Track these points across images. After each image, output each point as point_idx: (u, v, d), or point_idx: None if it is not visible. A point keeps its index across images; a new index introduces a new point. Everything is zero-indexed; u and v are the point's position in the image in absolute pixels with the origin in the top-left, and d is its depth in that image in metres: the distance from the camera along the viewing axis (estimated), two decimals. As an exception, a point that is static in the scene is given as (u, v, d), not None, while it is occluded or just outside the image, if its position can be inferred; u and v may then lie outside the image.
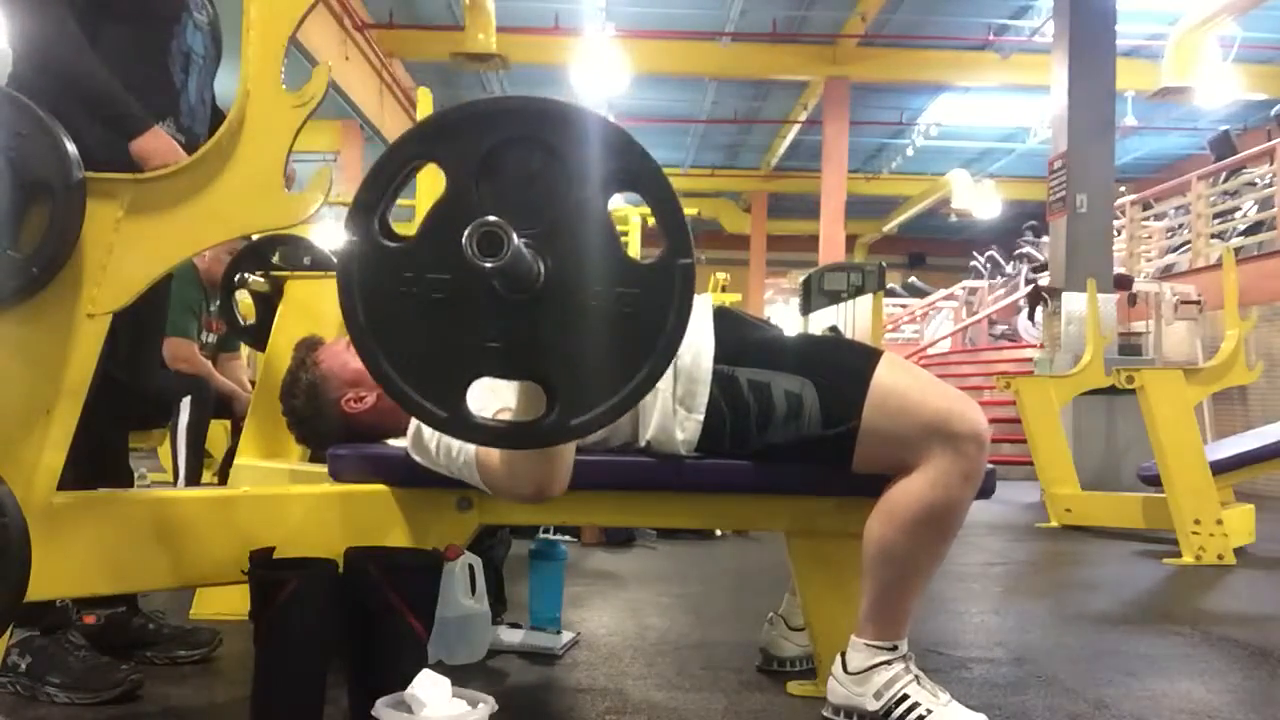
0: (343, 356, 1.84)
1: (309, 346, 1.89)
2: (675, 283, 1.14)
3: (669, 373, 1.66)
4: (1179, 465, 3.88)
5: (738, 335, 1.73)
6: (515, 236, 1.04)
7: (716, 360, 1.68)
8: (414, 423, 1.67)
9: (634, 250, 7.07)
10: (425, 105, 3.73)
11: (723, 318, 1.76)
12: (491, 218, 1.04)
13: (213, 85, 2.03)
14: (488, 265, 1.04)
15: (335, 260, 1.17)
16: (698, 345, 1.68)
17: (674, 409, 1.67)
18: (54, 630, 1.74)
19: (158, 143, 1.73)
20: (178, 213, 1.45)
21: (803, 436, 1.65)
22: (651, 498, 1.78)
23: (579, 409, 1.14)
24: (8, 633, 1.45)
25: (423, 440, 1.63)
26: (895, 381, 1.63)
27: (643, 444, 1.70)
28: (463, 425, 1.15)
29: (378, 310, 1.14)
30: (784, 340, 1.79)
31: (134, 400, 2.01)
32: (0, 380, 1.42)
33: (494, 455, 1.51)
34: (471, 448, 1.54)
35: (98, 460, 1.94)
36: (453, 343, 1.14)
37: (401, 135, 1.17)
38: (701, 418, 1.67)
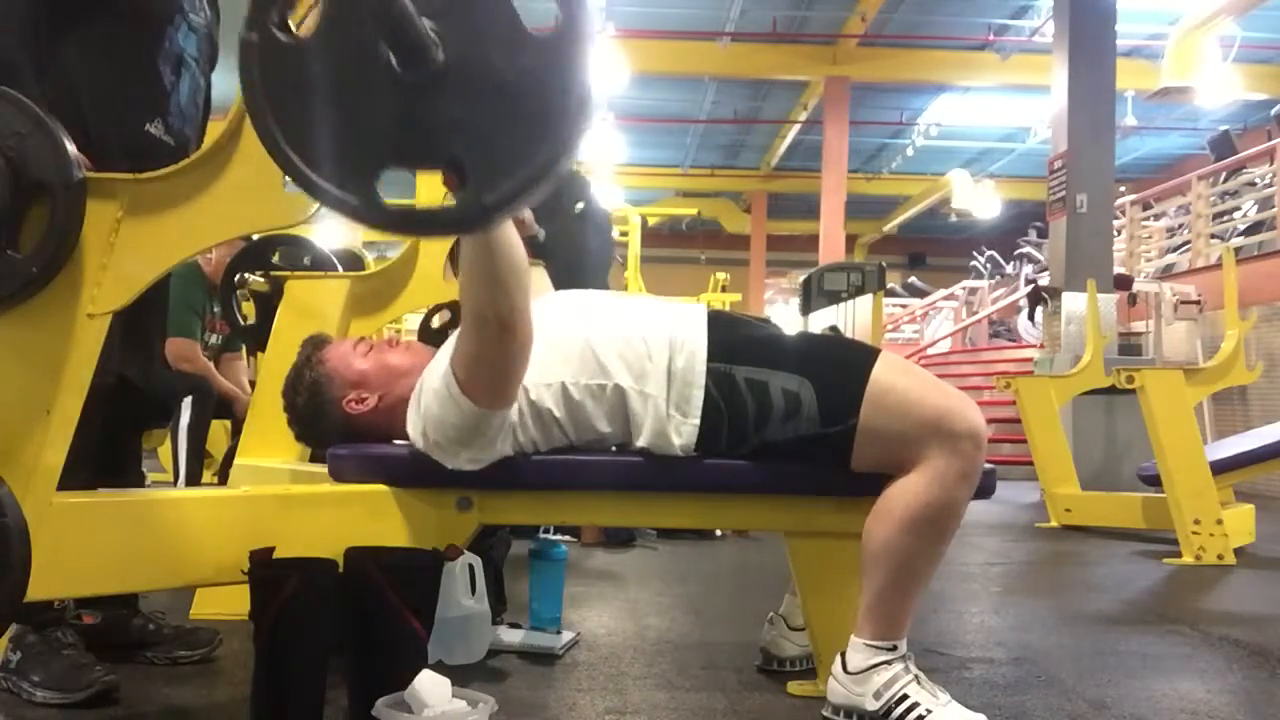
0: (348, 357, 1.84)
1: (314, 345, 1.89)
2: (575, 50, 1.12)
3: (661, 377, 1.67)
4: (1179, 465, 3.88)
5: (734, 334, 1.73)
6: None
7: (712, 359, 1.68)
8: (411, 412, 1.67)
9: (634, 253, 7.09)
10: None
11: (718, 319, 1.76)
12: None
13: (208, 89, 2.01)
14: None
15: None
16: (691, 347, 1.68)
17: (668, 414, 1.67)
18: (45, 628, 1.73)
19: None
20: (178, 213, 1.45)
21: (801, 435, 1.65)
22: (651, 498, 1.78)
23: (489, 187, 1.12)
24: (7, 634, 1.45)
25: (414, 415, 1.65)
26: (893, 380, 1.64)
27: (638, 448, 1.70)
28: (374, 210, 1.15)
29: (282, 107, 1.13)
30: (782, 339, 1.79)
31: (147, 401, 2.01)
32: (0, 380, 1.42)
33: (460, 333, 1.57)
34: (445, 364, 1.59)
35: (110, 462, 1.95)
36: (359, 130, 1.13)
37: None
38: (697, 421, 1.67)
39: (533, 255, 2.05)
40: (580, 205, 2.38)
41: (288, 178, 1.15)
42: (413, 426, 1.68)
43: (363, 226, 1.22)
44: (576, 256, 2.18)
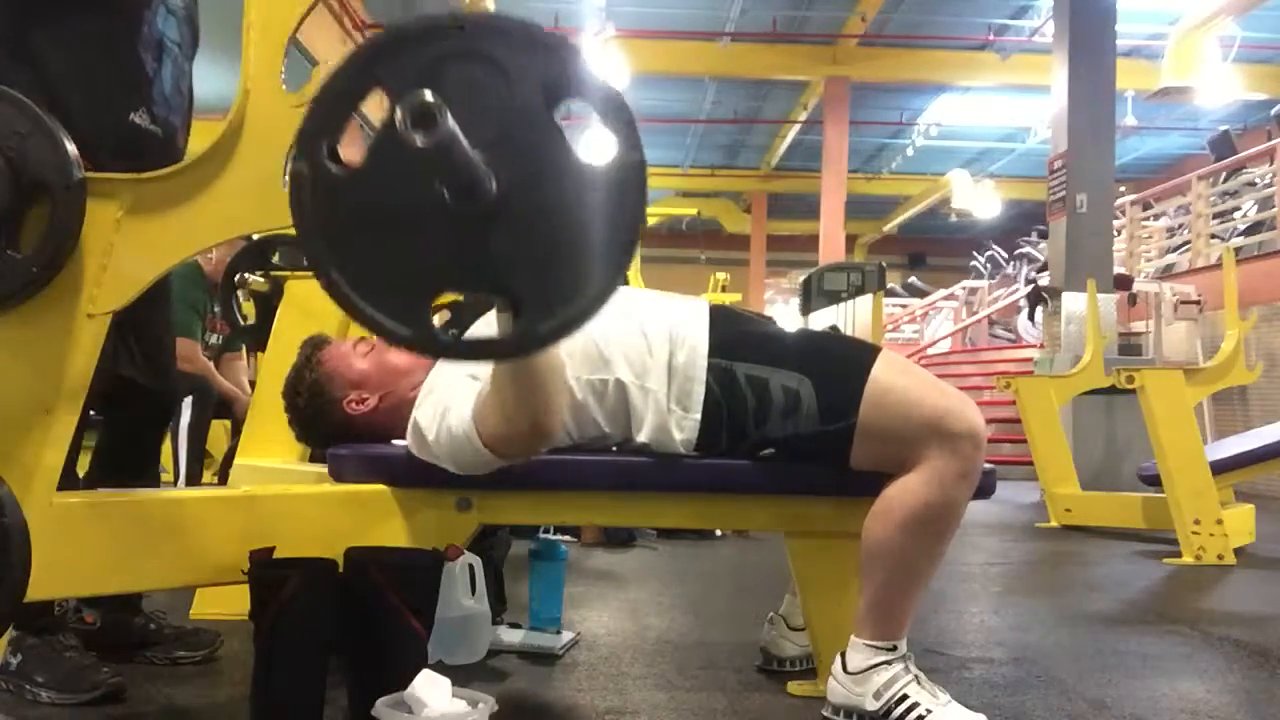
0: (348, 358, 1.84)
1: (315, 345, 1.89)
2: (629, 178, 1.13)
3: (662, 373, 1.67)
4: (1179, 465, 3.88)
5: (736, 330, 1.73)
6: (451, 119, 1.03)
7: (713, 354, 1.68)
8: (413, 419, 1.67)
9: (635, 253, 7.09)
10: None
11: (719, 315, 1.76)
12: (425, 91, 1.03)
13: (190, 74, 1.95)
14: (419, 140, 1.03)
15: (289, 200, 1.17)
16: (692, 342, 1.68)
17: (669, 409, 1.67)
18: (46, 631, 1.74)
19: None
20: (178, 213, 1.45)
21: (800, 432, 1.65)
22: (651, 498, 1.78)
23: (544, 316, 1.13)
24: (7, 635, 1.45)
25: (421, 432, 1.63)
26: (893, 379, 1.64)
27: (639, 444, 1.70)
28: (427, 341, 1.15)
29: (332, 237, 1.14)
30: (782, 336, 1.79)
31: (167, 401, 2.01)
32: (0, 380, 1.42)
33: (488, 408, 1.52)
34: (468, 414, 1.55)
35: (132, 464, 1.97)
36: (411, 261, 1.14)
37: (339, 62, 1.15)
38: (699, 416, 1.67)
39: None
40: None
41: (339, 307, 1.14)
42: (419, 438, 1.65)
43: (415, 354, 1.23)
44: None
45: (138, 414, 1.97)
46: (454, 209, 1.11)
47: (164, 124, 1.84)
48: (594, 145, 1.16)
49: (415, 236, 1.13)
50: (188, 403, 3.36)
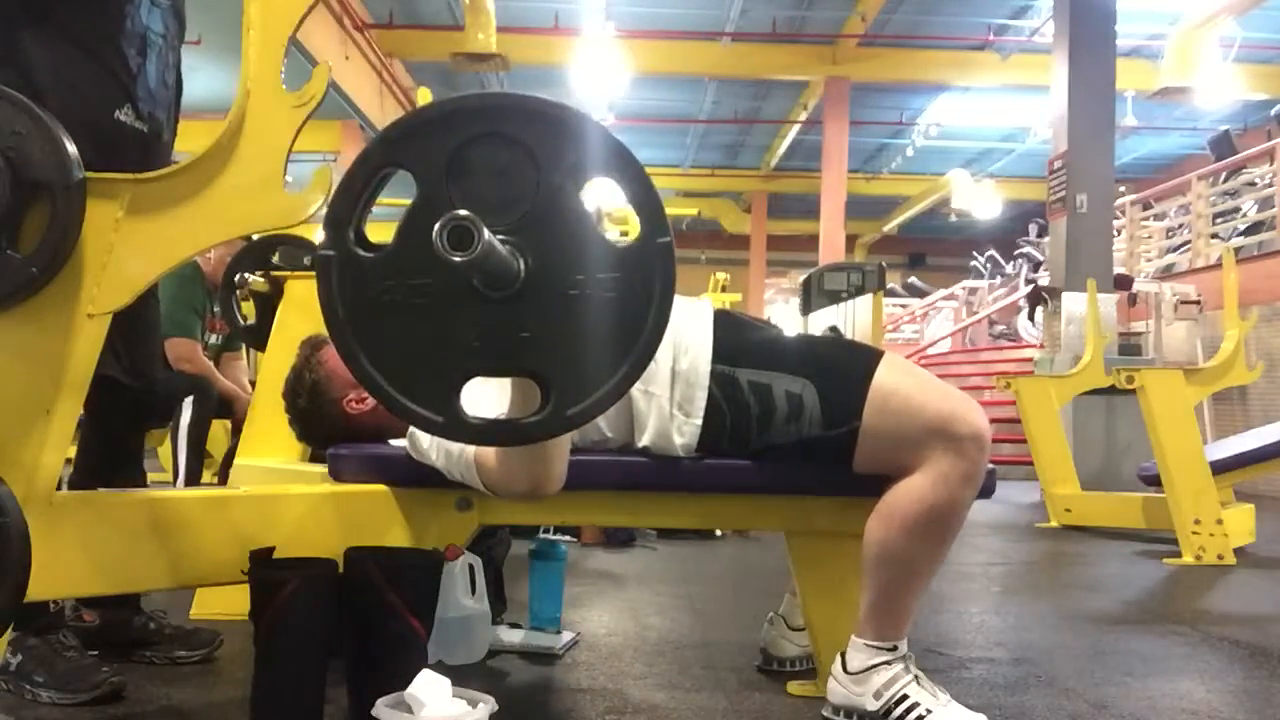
0: (348, 358, 1.84)
1: (314, 345, 1.89)
2: (656, 261, 1.13)
3: (665, 378, 1.67)
4: (1179, 465, 3.88)
5: (738, 336, 1.73)
6: (486, 231, 1.04)
7: (716, 361, 1.68)
8: (412, 428, 1.67)
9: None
10: (425, 105, 3.73)
11: (723, 320, 1.76)
12: (461, 212, 1.04)
13: (177, 68, 1.93)
14: (458, 260, 1.03)
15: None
16: (695, 349, 1.68)
17: (671, 413, 1.67)
18: (45, 631, 1.74)
19: None
20: (178, 213, 1.45)
21: (803, 437, 1.65)
22: (651, 498, 1.78)
23: (573, 399, 1.14)
24: (7, 634, 1.45)
25: (419, 441, 1.64)
26: (896, 382, 1.63)
27: (640, 448, 1.70)
28: (458, 427, 1.16)
29: (362, 323, 1.14)
30: (784, 341, 1.79)
31: (147, 400, 2.01)
32: (0, 380, 1.42)
33: (491, 455, 1.52)
34: (470, 449, 1.55)
35: (113, 463, 1.95)
36: (440, 346, 1.14)
37: (366, 146, 1.17)
38: (700, 422, 1.67)
39: None
40: None
41: (369, 394, 1.15)
42: (417, 447, 1.65)
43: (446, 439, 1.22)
44: None
45: (118, 413, 1.95)
46: (483, 291, 1.12)
47: (149, 119, 1.82)
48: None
49: (444, 320, 1.13)
50: (188, 403, 3.36)
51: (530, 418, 1.18)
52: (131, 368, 1.90)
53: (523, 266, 1.12)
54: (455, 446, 1.57)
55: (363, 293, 1.14)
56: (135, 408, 1.98)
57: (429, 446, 1.62)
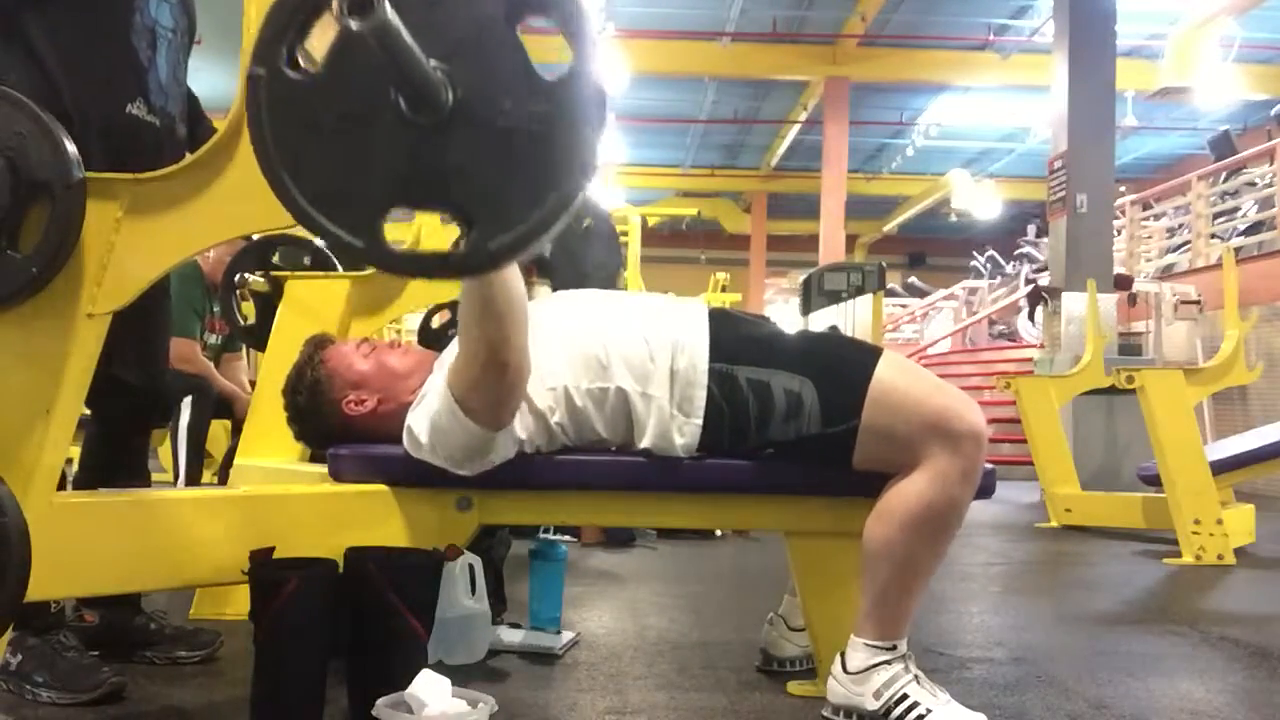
0: (349, 358, 1.84)
1: (317, 344, 1.89)
2: (586, 96, 1.12)
3: (664, 379, 1.67)
4: (1179, 465, 3.88)
5: (736, 333, 1.73)
6: (389, 8, 1.02)
7: (714, 359, 1.67)
8: (407, 423, 1.67)
9: (634, 252, 7.09)
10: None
11: (719, 318, 1.75)
12: None
13: (186, 62, 1.94)
14: (354, 26, 1.01)
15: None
16: (692, 348, 1.68)
17: (671, 414, 1.67)
18: (46, 632, 1.74)
19: None
20: (178, 213, 1.45)
21: (803, 435, 1.65)
22: (651, 498, 1.78)
23: (496, 232, 1.12)
24: (7, 634, 1.45)
25: (415, 434, 1.64)
26: (895, 380, 1.64)
27: (640, 449, 1.70)
28: (380, 253, 1.14)
29: (288, 145, 1.12)
30: (783, 338, 1.79)
31: (153, 401, 2.01)
32: (0, 380, 1.42)
33: (456, 361, 1.55)
34: (442, 383, 1.57)
35: (117, 462, 1.96)
36: (366, 173, 1.13)
37: None
38: (700, 422, 1.67)
39: (538, 274, 2.05)
40: (587, 222, 2.36)
41: (292, 217, 1.14)
42: (413, 439, 1.66)
43: (368, 268, 1.22)
44: (581, 276, 2.16)
45: (124, 413, 1.96)
46: (411, 120, 1.10)
47: (161, 113, 1.83)
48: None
49: (371, 147, 1.12)
50: (187, 403, 3.36)
51: (454, 250, 1.17)
52: (139, 368, 1.90)
53: (451, 96, 1.11)
54: (434, 397, 1.59)
55: (291, 115, 1.12)
56: (141, 408, 1.98)
57: (421, 423, 1.63)
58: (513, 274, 1.48)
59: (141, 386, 1.92)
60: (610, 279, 2.40)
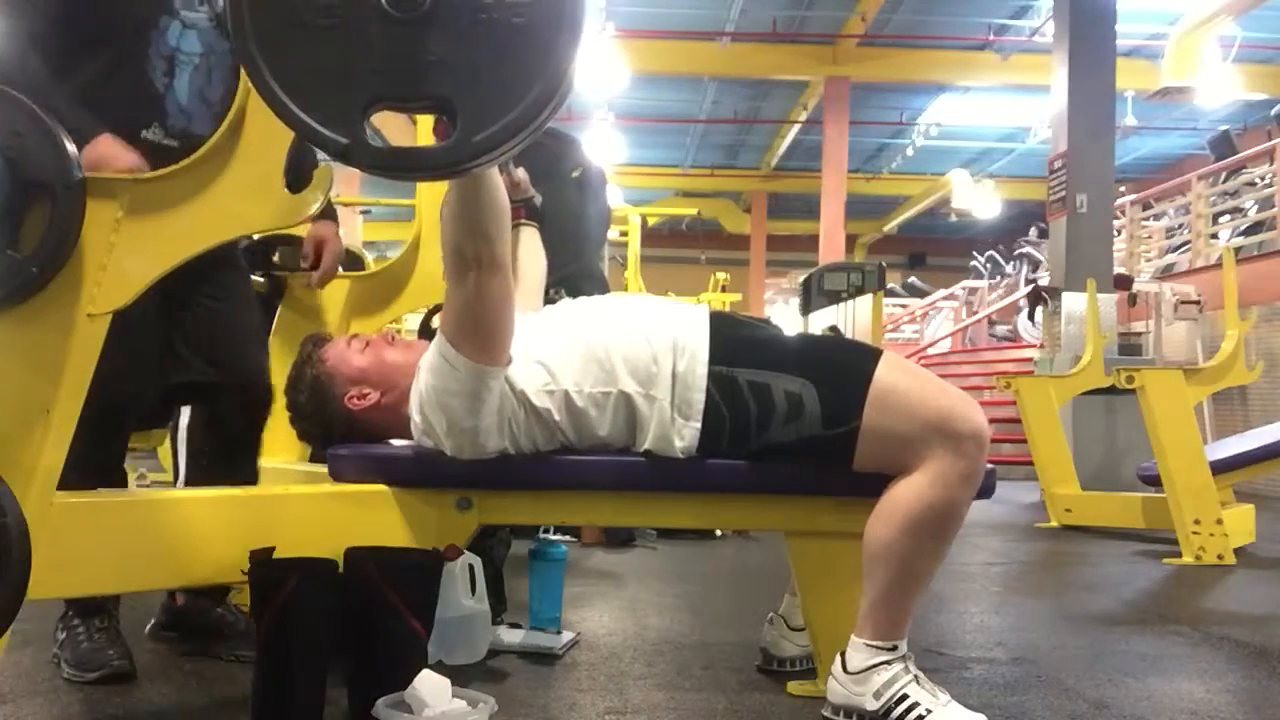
0: (347, 354, 1.84)
1: (315, 343, 1.89)
2: None
3: (667, 381, 1.67)
4: (1179, 465, 3.87)
5: (736, 336, 1.73)
6: None
7: (714, 361, 1.68)
8: (414, 400, 1.68)
9: (634, 252, 7.10)
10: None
11: (720, 321, 1.76)
12: None
13: (225, 81, 1.97)
14: None
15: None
16: (692, 350, 1.68)
17: (672, 417, 1.67)
18: (90, 615, 1.83)
19: (97, 151, 1.71)
20: (178, 213, 1.45)
21: (803, 437, 1.65)
22: (651, 498, 1.78)
23: (481, 124, 1.12)
24: (8, 633, 1.45)
25: (418, 408, 1.67)
26: (895, 381, 1.64)
27: (640, 451, 1.70)
28: (363, 151, 1.14)
29: (268, 43, 1.12)
30: (783, 340, 1.79)
31: (236, 394, 2.05)
32: (0, 380, 1.42)
33: (446, 293, 1.59)
34: (437, 338, 1.60)
35: (224, 460, 2.04)
36: (347, 68, 1.12)
37: None
38: (699, 425, 1.67)
39: (526, 216, 2.06)
40: (576, 171, 2.37)
41: (276, 116, 1.13)
42: (414, 409, 1.69)
43: (351, 167, 1.21)
44: (573, 222, 2.18)
45: (220, 413, 2.04)
46: (390, 13, 1.10)
47: (182, 135, 1.88)
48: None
49: (352, 40, 1.12)
50: (188, 402, 3.36)
51: (437, 146, 1.17)
52: (210, 367, 1.96)
53: None
54: (430, 353, 1.63)
55: (271, 12, 1.12)
56: (233, 403, 2.03)
57: (420, 391, 1.65)
58: (496, 182, 1.51)
59: (223, 382, 1.98)
60: (601, 230, 2.41)
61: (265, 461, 2.40)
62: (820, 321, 6.57)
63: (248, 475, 2.02)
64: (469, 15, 1.11)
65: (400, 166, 1.23)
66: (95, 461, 1.75)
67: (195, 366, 1.95)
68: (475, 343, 1.59)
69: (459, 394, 1.61)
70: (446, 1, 1.11)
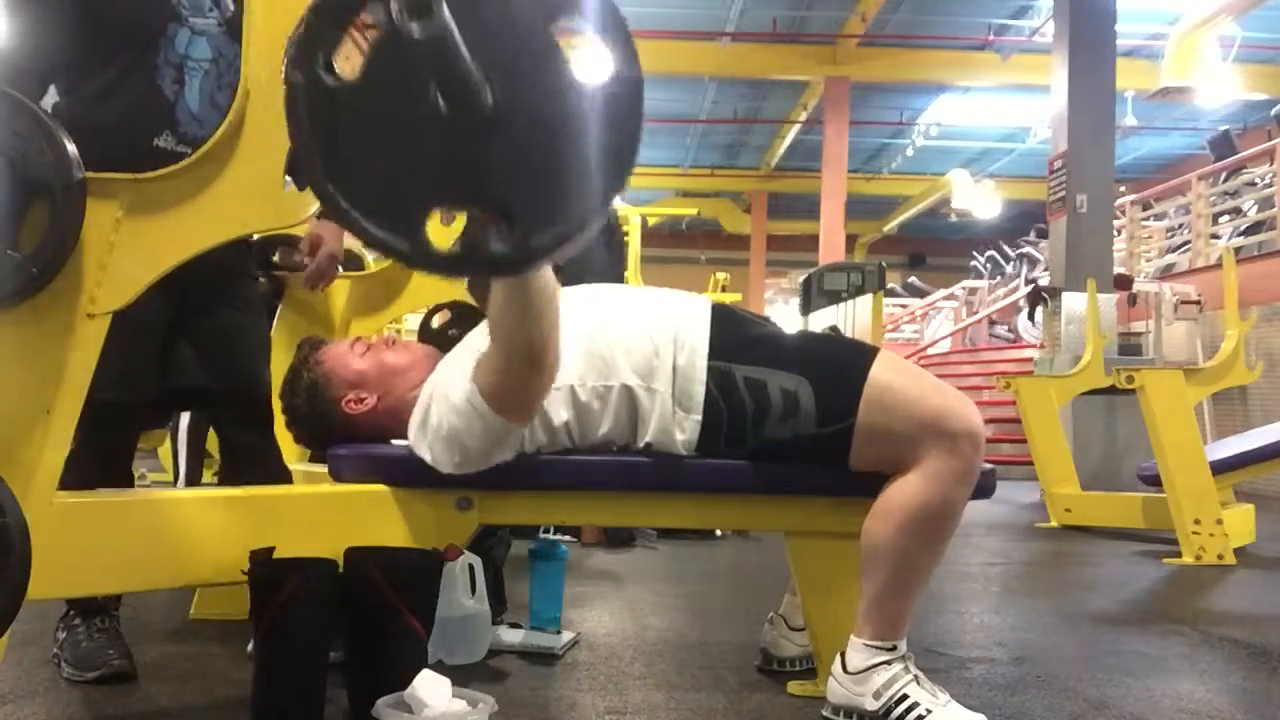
0: (345, 358, 1.84)
1: (311, 346, 1.89)
2: (626, 95, 1.13)
3: (668, 374, 1.67)
4: (1179, 465, 3.87)
5: (735, 332, 1.73)
6: (447, 10, 1.04)
7: (713, 356, 1.68)
8: (414, 419, 1.67)
9: (634, 252, 7.10)
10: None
11: (721, 315, 1.76)
12: None
13: (235, 86, 2.00)
14: (416, 32, 1.03)
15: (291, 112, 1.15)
16: (693, 344, 1.68)
17: (673, 410, 1.67)
18: (91, 614, 1.85)
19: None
20: (178, 213, 1.45)
21: (799, 434, 1.65)
22: (651, 498, 1.78)
23: (540, 228, 1.14)
24: (8, 633, 1.45)
25: (423, 428, 1.64)
26: (891, 380, 1.64)
27: (642, 445, 1.70)
28: (424, 255, 1.15)
29: (331, 150, 1.13)
30: (781, 337, 1.79)
31: (241, 399, 2.06)
32: (0, 380, 1.42)
33: (485, 358, 1.56)
34: (467, 379, 1.58)
35: (238, 463, 2.06)
36: (406, 173, 1.13)
37: None
38: (700, 417, 1.67)
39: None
40: (602, 228, 2.36)
41: (337, 221, 1.15)
42: (418, 437, 1.67)
43: (412, 269, 1.23)
44: (590, 273, 2.18)
45: (228, 417, 2.07)
46: (450, 119, 1.11)
47: (194, 140, 1.88)
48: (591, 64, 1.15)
49: (411, 148, 1.13)
50: (188, 402, 3.36)
51: (497, 247, 1.17)
52: (213, 373, 1.98)
53: (490, 95, 1.12)
54: (457, 391, 1.59)
55: (330, 119, 1.13)
56: (239, 408, 2.05)
57: (435, 415, 1.63)
58: (548, 273, 1.49)
59: (229, 388, 2.00)
60: (616, 280, 2.41)
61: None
62: (820, 321, 6.57)
63: (270, 478, 2.02)
64: (528, 121, 1.13)
65: (459, 270, 1.30)
66: (95, 461, 1.75)
67: (199, 373, 1.97)
68: (512, 409, 1.58)
69: (481, 438, 1.60)
70: (505, 107, 1.12)
